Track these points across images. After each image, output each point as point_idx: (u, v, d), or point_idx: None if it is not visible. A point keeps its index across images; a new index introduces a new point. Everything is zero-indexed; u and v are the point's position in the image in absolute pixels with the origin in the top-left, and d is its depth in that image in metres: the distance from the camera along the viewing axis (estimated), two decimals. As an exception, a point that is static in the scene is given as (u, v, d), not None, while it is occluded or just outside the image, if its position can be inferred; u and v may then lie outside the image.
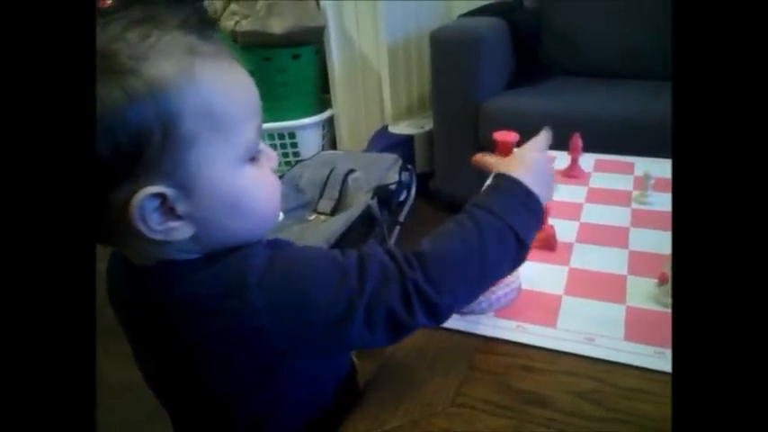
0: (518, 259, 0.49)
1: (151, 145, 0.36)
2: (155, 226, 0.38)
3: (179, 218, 0.39)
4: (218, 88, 0.39)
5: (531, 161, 0.52)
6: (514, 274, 0.64)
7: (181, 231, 0.39)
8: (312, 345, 0.42)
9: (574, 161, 0.92)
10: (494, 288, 0.62)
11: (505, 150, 0.55)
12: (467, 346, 0.57)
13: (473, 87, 1.59)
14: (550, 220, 0.74)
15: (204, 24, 0.40)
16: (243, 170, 0.41)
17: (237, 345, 0.41)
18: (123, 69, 0.35)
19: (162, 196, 0.38)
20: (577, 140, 0.91)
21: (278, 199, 0.45)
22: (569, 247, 0.72)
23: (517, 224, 0.47)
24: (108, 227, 0.39)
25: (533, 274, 0.67)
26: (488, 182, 0.50)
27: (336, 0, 1.89)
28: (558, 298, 0.63)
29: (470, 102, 1.60)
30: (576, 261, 0.69)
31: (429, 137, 1.86)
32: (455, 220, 0.48)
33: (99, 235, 0.40)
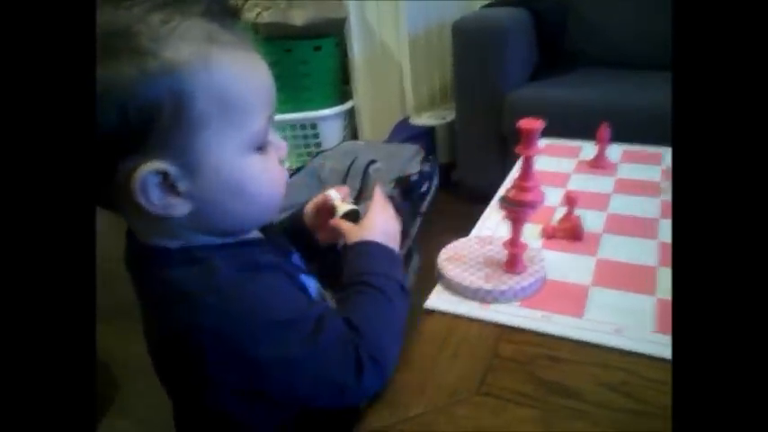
0: (406, 305, 0.53)
1: (160, 123, 0.37)
2: (154, 200, 0.39)
3: (179, 195, 0.40)
4: (233, 76, 0.40)
5: (380, 224, 0.56)
6: (539, 263, 0.63)
7: (179, 208, 0.41)
8: (251, 388, 0.43)
9: (601, 151, 0.90)
10: (518, 278, 0.61)
11: (531, 138, 0.54)
12: (490, 335, 0.57)
13: (497, 78, 1.57)
14: (577, 211, 0.72)
15: (227, 14, 0.41)
16: (249, 157, 0.42)
17: (177, 353, 0.42)
18: (142, 50, 0.36)
19: (164, 173, 0.39)
20: (605, 131, 0.89)
21: (281, 189, 0.46)
22: (597, 237, 0.71)
23: (399, 277, 0.53)
24: (112, 196, 0.41)
25: (559, 263, 0.66)
26: (350, 250, 0.54)
27: (358, -10, 1.88)
28: (585, 288, 0.62)
29: (494, 92, 1.58)
30: (604, 252, 0.68)
31: (451, 128, 1.84)
32: (358, 291, 0.50)
33: (107, 203, 0.42)
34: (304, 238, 0.60)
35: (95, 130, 0.33)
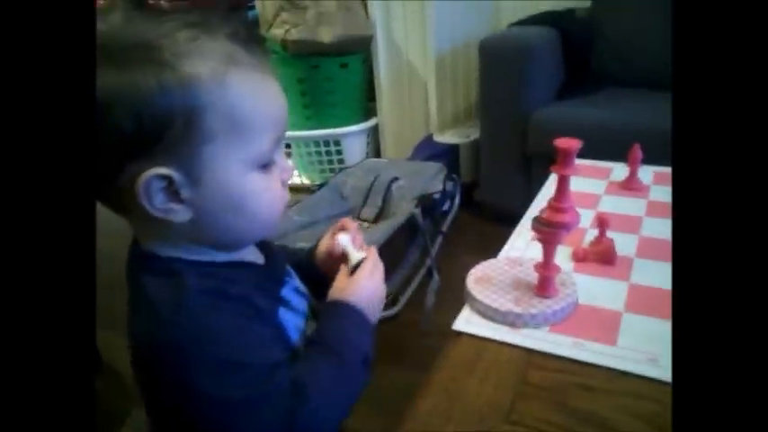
0: (365, 379, 0.50)
1: (170, 132, 0.39)
2: (156, 203, 0.41)
3: (181, 202, 0.42)
4: (245, 96, 0.42)
5: (366, 288, 0.52)
6: (571, 287, 0.62)
7: (179, 214, 0.42)
8: (184, 417, 0.42)
9: (632, 173, 0.88)
10: (549, 302, 0.59)
11: (568, 157, 0.53)
12: (519, 360, 0.55)
13: (523, 97, 1.56)
14: (609, 233, 0.70)
15: (252, 39, 0.44)
16: (251, 175, 0.44)
17: (136, 360, 0.43)
18: (163, 62, 0.39)
19: (169, 179, 0.41)
20: (637, 152, 0.87)
21: (280, 209, 0.47)
22: (629, 261, 0.69)
23: (366, 348, 0.50)
24: (118, 197, 0.42)
25: (591, 287, 0.64)
26: (330, 305, 0.51)
27: (385, 9, 1.90)
28: (618, 315, 0.60)
29: (519, 111, 1.57)
30: (637, 277, 0.66)
31: (474, 146, 1.83)
32: (320, 352, 0.47)
33: (113, 204, 0.44)
34: (315, 274, 0.58)
35: (96, 132, 0.35)
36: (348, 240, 0.54)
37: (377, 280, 0.53)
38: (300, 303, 0.52)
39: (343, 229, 0.56)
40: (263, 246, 0.53)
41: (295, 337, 0.49)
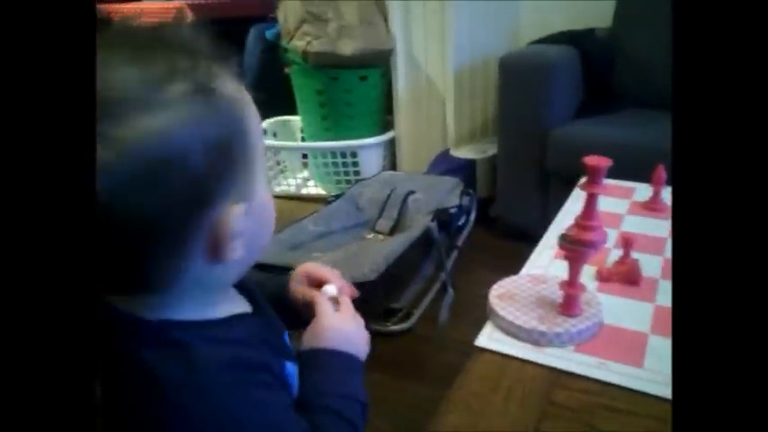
0: (365, 419, 0.45)
1: (236, 159, 0.36)
2: (226, 245, 0.36)
3: (236, 236, 0.36)
4: (252, 108, 0.39)
5: (335, 324, 0.47)
6: (596, 306, 0.61)
7: (239, 251, 0.37)
8: None
9: (656, 194, 0.87)
10: (573, 321, 0.59)
11: (597, 175, 0.52)
12: (544, 379, 0.54)
13: (542, 114, 1.56)
14: (634, 254, 0.70)
15: (226, 53, 0.38)
16: (267, 189, 0.41)
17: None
18: (201, 88, 0.34)
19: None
20: (661, 172, 0.86)
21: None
22: (654, 283, 0.68)
23: (358, 392, 0.46)
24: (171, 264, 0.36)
25: (615, 308, 0.63)
26: (307, 357, 0.46)
27: (406, 24, 1.92)
28: (644, 336, 0.59)
29: (538, 129, 1.56)
30: (663, 298, 0.65)
31: (491, 162, 1.83)
32: (320, 418, 0.42)
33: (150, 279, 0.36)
34: (287, 306, 0.52)
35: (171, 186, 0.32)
36: (334, 291, 0.50)
37: (348, 313, 0.49)
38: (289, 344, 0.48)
39: (320, 284, 0.51)
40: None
41: (295, 384, 0.45)
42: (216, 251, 0.36)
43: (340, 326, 0.47)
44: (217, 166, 0.34)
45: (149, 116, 0.31)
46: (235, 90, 0.37)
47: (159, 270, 0.35)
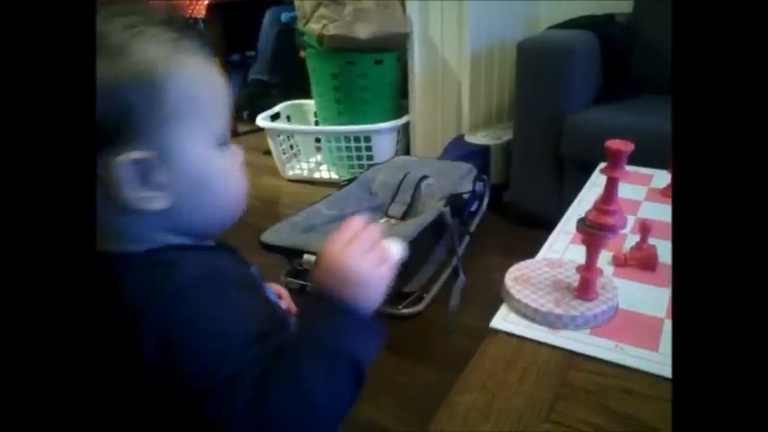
0: (357, 382, 0.41)
1: (135, 117, 0.39)
2: (133, 192, 0.40)
3: (155, 188, 0.41)
4: (198, 78, 0.43)
5: (334, 270, 0.42)
6: (612, 290, 0.61)
7: (158, 201, 0.41)
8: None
9: (674, 180, 0.86)
10: (589, 304, 0.59)
11: (618, 159, 0.52)
12: (559, 361, 0.55)
13: (559, 100, 1.54)
14: (651, 240, 0.69)
15: (186, 25, 0.44)
16: (216, 154, 0.44)
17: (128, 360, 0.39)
18: (113, 49, 0.39)
19: (143, 164, 0.40)
20: (680, 158, 0.85)
21: (244, 192, 0.47)
22: (670, 268, 0.68)
23: (352, 348, 0.41)
24: None
25: (631, 293, 0.63)
26: (308, 301, 0.43)
27: (423, 8, 1.90)
28: (660, 321, 0.59)
29: (555, 114, 1.55)
30: (680, 284, 0.65)
31: (506, 148, 1.82)
32: (292, 351, 0.40)
33: None
34: None
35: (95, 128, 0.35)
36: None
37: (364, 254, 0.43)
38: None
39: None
40: None
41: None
42: (115, 194, 0.39)
43: (345, 262, 0.42)
44: (109, 115, 0.38)
45: None
46: (158, 56, 0.40)
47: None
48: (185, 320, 0.39)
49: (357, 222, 0.45)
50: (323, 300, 0.42)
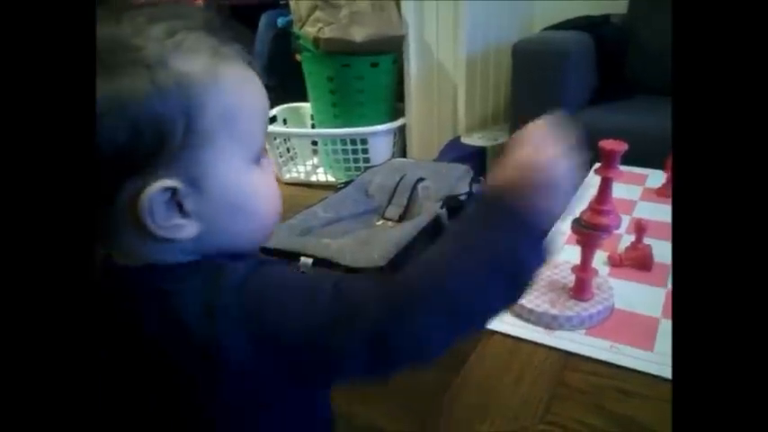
0: (516, 289, 0.39)
1: (172, 138, 0.35)
2: (161, 222, 0.37)
3: (186, 215, 0.37)
4: (238, 90, 0.39)
5: (521, 166, 0.39)
6: (607, 290, 0.61)
7: (186, 230, 0.38)
8: (293, 371, 0.38)
9: (669, 180, 0.87)
10: (585, 304, 0.59)
11: (612, 159, 0.52)
12: (555, 362, 0.55)
13: (555, 101, 1.55)
14: (646, 240, 0.70)
15: (225, 27, 0.40)
16: (252, 172, 0.40)
17: (205, 365, 0.37)
18: (150, 62, 0.35)
19: (173, 191, 0.36)
20: (674, 159, 0.86)
21: (279, 203, 0.44)
22: (666, 268, 0.68)
23: (506, 252, 0.38)
24: (110, 221, 0.37)
25: (627, 293, 0.63)
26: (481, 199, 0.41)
27: (418, 10, 1.90)
28: (655, 321, 0.59)
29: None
30: (675, 284, 0.65)
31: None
32: (438, 243, 0.39)
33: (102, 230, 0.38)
34: None
35: (97, 148, 0.33)
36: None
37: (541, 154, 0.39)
38: None
39: None
40: None
41: None
42: (142, 222, 0.36)
43: (530, 162, 0.39)
44: (143, 141, 0.35)
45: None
46: (197, 69, 0.36)
47: (108, 225, 0.37)
48: (269, 299, 0.37)
49: (553, 121, 0.42)
50: (499, 200, 0.38)
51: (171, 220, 0.37)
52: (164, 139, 0.35)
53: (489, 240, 0.38)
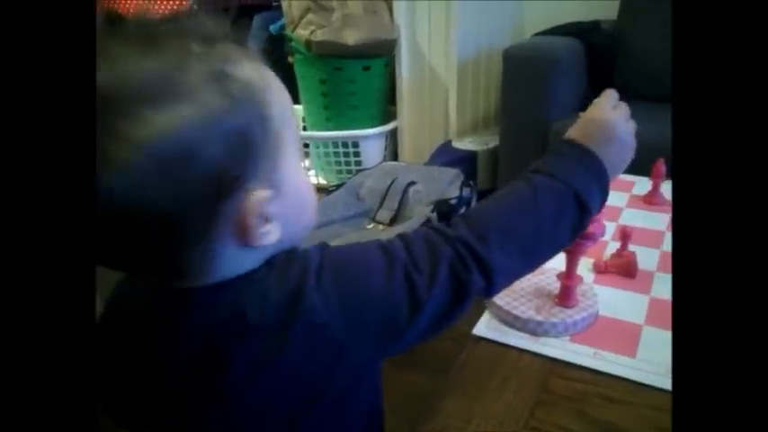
0: (580, 222, 0.44)
1: (255, 146, 0.35)
2: (256, 231, 0.36)
3: (270, 220, 0.37)
4: (281, 89, 0.39)
5: (594, 123, 0.48)
6: (591, 297, 0.62)
7: (273, 234, 0.37)
8: (376, 329, 0.39)
9: (655, 187, 0.88)
10: (569, 311, 0.60)
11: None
12: (539, 368, 0.56)
13: (545, 107, 1.56)
14: (631, 247, 0.71)
15: (243, 38, 0.39)
16: (301, 166, 0.41)
17: (302, 350, 0.38)
18: (216, 76, 0.34)
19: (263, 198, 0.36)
20: (660, 166, 0.87)
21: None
22: (650, 275, 0.69)
23: (575, 183, 0.44)
24: (186, 244, 0.35)
25: (611, 300, 0.64)
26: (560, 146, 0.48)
27: (410, 14, 1.91)
28: (638, 327, 0.60)
29: (541, 121, 1.57)
30: (658, 291, 0.66)
31: (493, 154, 1.83)
32: (509, 184, 0.45)
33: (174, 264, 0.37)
34: None
35: (198, 172, 0.32)
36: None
37: (614, 116, 0.49)
38: None
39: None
40: None
41: None
42: (245, 237, 0.36)
43: (601, 119, 0.48)
44: (234, 155, 0.34)
45: (162, 111, 0.31)
46: (253, 73, 0.36)
47: (190, 259, 0.36)
48: (353, 265, 0.39)
49: (615, 93, 0.52)
50: (574, 147, 0.46)
51: (261, 228, 0.36)
52: (250, 148, 0.35)
53: (561, 179, 0.44)
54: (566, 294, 0.60)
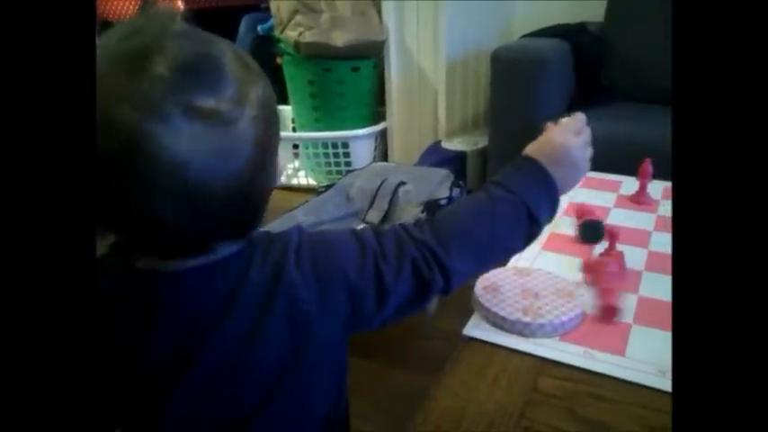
0: (530, 234, 0.51)
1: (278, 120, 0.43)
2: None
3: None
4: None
5: (552, 144, 0.53)
6: (580, 297, 0.62)
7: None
8: (346, 314, 0.45)
9: (642, 187, 0.89)
10: (557, 312, 0.60)
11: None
12: (530, 368, 0.56)
13: (533, 108, 1.57)
14: (619, 246, 0.71)
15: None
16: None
17: (283, 320, 0.42)
18: (259, 72, 0.43)
19: None
20: (647, 167, 0.88)
21: None
22: (638, 274, 0.70)
23: (528, 198, 0.49)
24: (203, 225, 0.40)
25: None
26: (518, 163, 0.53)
27: (398, 16, 1.91)
28: (627, 326, 0.61)
29: (529, 122, 1.57)
30: (646, 289, 0.67)
31: (482, 154, 1.84)
32: (472, 194, 0.51)
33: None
34: None
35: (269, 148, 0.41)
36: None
37: (565, 137, 0.54)
38: None
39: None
40: None
41: None
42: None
43: (559, 143, 0.53)
44: (279, 134, 0.43)
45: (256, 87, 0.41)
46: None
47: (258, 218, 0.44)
48: (326, 245, 0.46)
49: (582, 118, 0.56)
50: (532, 164, 0.51)
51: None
52: (278, 123, 0.43)
53: (517, 192, 0.49)
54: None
